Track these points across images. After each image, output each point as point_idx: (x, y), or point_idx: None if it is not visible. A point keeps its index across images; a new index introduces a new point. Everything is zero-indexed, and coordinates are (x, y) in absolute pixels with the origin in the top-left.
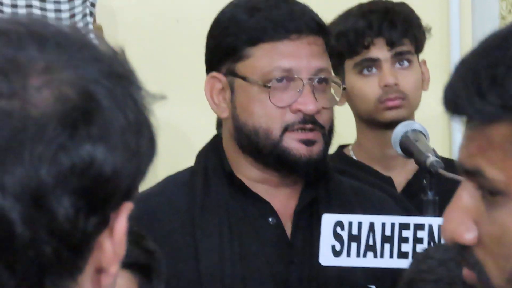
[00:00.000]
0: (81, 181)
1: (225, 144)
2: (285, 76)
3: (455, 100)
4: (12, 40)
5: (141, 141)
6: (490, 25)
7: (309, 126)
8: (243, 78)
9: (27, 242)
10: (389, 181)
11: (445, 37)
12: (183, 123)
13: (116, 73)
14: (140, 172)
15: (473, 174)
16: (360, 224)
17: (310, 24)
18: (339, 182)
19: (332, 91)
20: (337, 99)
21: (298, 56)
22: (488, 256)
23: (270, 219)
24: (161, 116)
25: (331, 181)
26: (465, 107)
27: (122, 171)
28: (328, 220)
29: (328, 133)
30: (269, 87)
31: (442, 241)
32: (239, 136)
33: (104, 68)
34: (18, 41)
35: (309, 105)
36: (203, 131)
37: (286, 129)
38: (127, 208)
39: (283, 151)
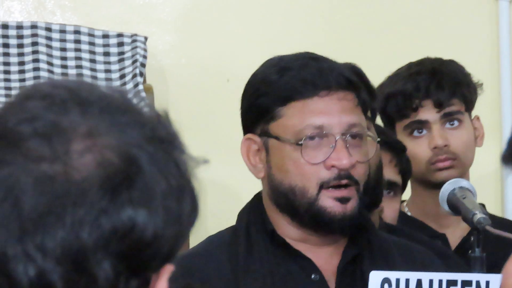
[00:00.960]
0: (122, 245)
1: (264, 203)
2: (317, 133)
3: None
4: (56, 104)
5: (183, 205)
6: None
7: (344, 181)
8: (276, 138)
9: None
10: (443, 238)
11: (496, 91)
12: (235, 182)
13: (159, 138)
14: (182, 235)
15: None
16: (407, 281)
17: (339, 80)
18: (382, 238)
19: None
20: (373, 152)
21: (328, 112)
22: None
23: (313, 276)
24: (213, 176)
25: (374, 237)
26: None
27: (163, 235)
28: (375, 277)
29: (364, 188)
30: (301, 144)
31: None
32: (276, 196)
33: (146, 132)
34: (61, 105)
35: (343, 160)
36: (254, 191)
37: (321, 186)
38: (168, 270)
39: (318, 210)
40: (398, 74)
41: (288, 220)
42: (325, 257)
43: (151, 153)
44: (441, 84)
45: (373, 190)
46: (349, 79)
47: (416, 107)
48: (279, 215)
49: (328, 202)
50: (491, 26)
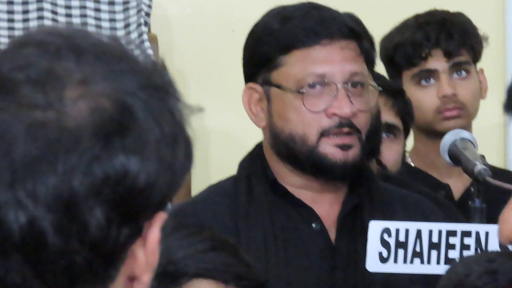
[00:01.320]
0: (114, 192)
1: (265, 152)
2: (319, 81)
3: None
4: (50, 52)
5: (176, 153)
6: None
7: (345, 130)
8: (278, 86)
9: (59, 251)
10: (447, 188)
11: (501, 45)
12: (238, 129)
13: (154, 85)
14: (175, 183)
15: None
16: (407, 231)
17: (342, 29)
18: (383, 188)
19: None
20: (374, 101)
21: (330, 61)
22: None
23: (314, 225)
24: (216, 123)
25: (374, 187)
26: None
27: (156, 182)
28: (375, 227)
29: (366, 136)
30: (303, 93)
31: (489, 248)
32: (277, 144)
33: (141, 80)
34: (56, 53)
35: (344, 108)
36: (256, 140)
37: (322, 134)
38: (160, 218)
39: (319, 157)
40: (407, 24)
41: (290, 168)
42: (326, 206)
43: (145, 101)
44: (451, 34)
45: (371, 138)
46: (352, 28)
47: (425, 56)
48: (281, 163)
49: (329, 148)
50: None
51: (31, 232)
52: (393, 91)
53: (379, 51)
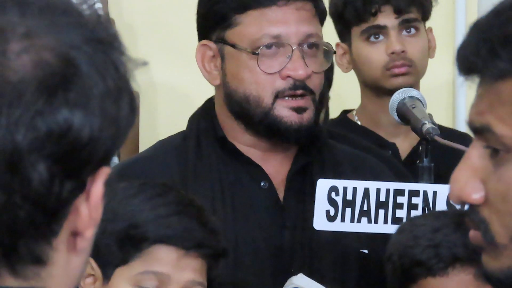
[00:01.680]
0: (57, 147)
1: (217, 109)
2: (274, 42)
3: (467, 59)
4: None
5: (121, 107)
6: None
7: (299, 92)
8: (233, 46)
9: (1, 206)
10: (393, 147)
11: (450, 4)
12: (186, 85)
13: (98, 39)
14: (119, 138)
15: (482, 132)
16: (354, 189)
17: None
18: (333, 148)
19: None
20: (328, 64)
21: (286, 22)
22: (494, 214)
23: (262, 183)
24: (164, 79)
25: (325, 146)
26: (476, 65)
27: (100, 136)
28: (322, 185)
29: (319, 98)
30: (258, 54)
31: (437, 207)
32: (230, 103)
33: (86, 33)
34: None
35: (298, 70)
36: (205, 95)
37: (276, 96)
38: (104, 173)
39: (274, 119)
40: None
41: (242, 127)
42: (275, 165)
43: (89, 54)
44: None
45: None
46: None
47: (375, 11)
48: (233, 121)
49: (284, 111)
50: None
51: None
52: None
53: (328, 7)
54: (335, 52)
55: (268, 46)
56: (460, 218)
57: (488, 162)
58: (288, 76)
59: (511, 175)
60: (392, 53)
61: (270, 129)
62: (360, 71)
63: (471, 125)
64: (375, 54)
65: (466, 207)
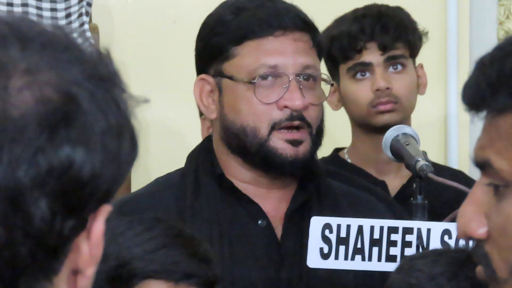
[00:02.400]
0: (59, 184)
1: (215, 145)
2: (271, 72)
3: (470, 95)
4: None
5: (122, 144)
6: (488, 30)
7: (296, 123)
8: (230, 78)
9: (3, 243)
10: (383, 185)
11: (442, 41)
12: (179, 123)
13: (99, 75)
14: (120, 175)
15: (483, 167)
16: (348, 227)
17: (295, 21)
18: (330, 185)
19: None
20: (326, 96)
21: (283, 52)
22: (495, 248)
23: (260, 221)
24: (156, 116)
25: (322, 184)
26: (478, 100)
27: (101, 174)
28: (316, 223)
29: (316, 132)
30: (254, 83)
31: (431, 246)
32: (228, 136)
33: (87, 70)
34: (1, 41)
35: (295, 100)
36: (197, 132)
37: (273, 127)
38: (105, 211)
39: (269, 151)
40: (344, 17)
41: (239, 162)
42: (274, 203)
43: (91, 91)
44: (386, 27)
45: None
46: (305, 20)
47: (360, 49)
48: (230, 156)
49: (279, 143)
50: None
51: None
52: None
53: None
54: (332, 84)
55: (265, 76)
56: (459, 262)
57: (491, 198)
58: (285, 107)
59: (509, 210)
60: (377, 90)
61: (266, 161)
62: (348, 109)
63: (474, 160)
64: (361, 91)
65: (471, 242)
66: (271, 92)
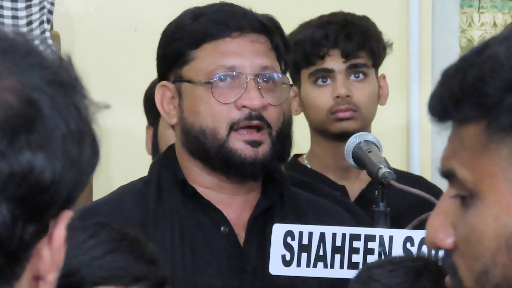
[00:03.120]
0: (20, 189)
1: (177, 152)
2: (228, 73)
3: (435, 106)
4: None
5: (83, 150)
6: (450, 38)
7: (255, 122)
8: (189, 81)
9: None
10: (343, 190)
11: (404, 49)
12: (140, 130)
13: (60, 81)
14: (81, 181)
15: (449, 177)
16: (310, 234)
17: (252, 22)
18: (293, 193)
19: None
20: (286, 98)
21: (240, 53)
22: (461, 258)
23: (222, 228)
24: (117, 124)
25: (286, 191)
26: (442, 111)
27: (62, 179)
28: (278, 230)
29: (277, 134)
30: (212, 83)
31: (394, 253)
32: (188, 140)
33: (48, 75)
34: None
35: (254, 100)
36: None
37: (232, 127)
38: (66, 216)
39: (228, 152)
40: (309, 22)
41: (201, 167)
42: (237, 210)
43: (51, 96)
44: (350, 35)
45: (282, 140)
46: (262, 22)
47: (323, 55)
48: (192, 162)
49: (238, 144)
50: None
51: None
52: None
53: None
54: (291, 85)
55: (223, 77)
56: (416, 272)
57: (458, 208)
58: (244, 106)
59: (473, 220)
60: (337, 97)
61: (225, 162)
62: (308, 114)
63: (440, 170)
64: (321, 97)
65: (440, 252)
66: (229, 92)
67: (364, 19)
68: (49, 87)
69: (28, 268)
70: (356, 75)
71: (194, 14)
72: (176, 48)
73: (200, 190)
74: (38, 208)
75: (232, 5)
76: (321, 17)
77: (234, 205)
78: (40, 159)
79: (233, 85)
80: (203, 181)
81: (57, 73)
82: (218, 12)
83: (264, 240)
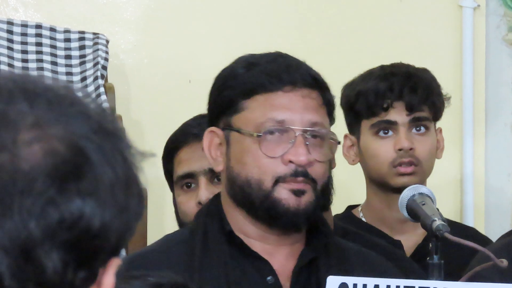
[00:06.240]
0: (70, 235)
1: (222, 200)
2: (277, 127)
3: None
4: (2, 95)
5: (130, 197)
6: (504, 90)
7: (300, 179)
8: (238, 131)
9: None
10: (398, 244)
11: (458, 103)
12: None
13: (105, 130)
14: (129, 228)
15: None
16: (365, 286)
17: (305, 77)
18: (339, 244)
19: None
20: (332, 154)
21: (291, 108)
22: None
23: (268, 278)
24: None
25: (331, 242)
26: None
27: (111, 226)
28: (333, 282)
29: (322, 189)
30: (260, 136)
31: None
32: (233, 189)
33: (93, 124)
34: (8, 96)
35: (300, 156)
36: None
37: (277, 180)
38: (115, 264)
39: (273, 202)
40: (372, 72)
41: (245, 215)
42: (281, 260)
43: (98, 144)
44: (415, 88)
45: (323, 192)
46: (315, 77)
47: (387, 106)
48: (236, 210)
49: (283, 193)
50: (455, 32)
51: None
52: None
53: (340, 98)
54: (339, 143)
55: (272, 131)
56: None
57: None
58: (290, 162)
59: None
60: (400, 149)
61: (269, 212)
62: (367, 165)
63: None
64: (383, 149)
65: None
66: (277, 146)
67: (426, 72)
68: (95, 135)
69: None
70: (418, 129)
71: (248, 63)
72: (228, 96)
73: (246, 240)
74: (88, 254)
75: (286, 56)
76: (383, 68)
77: (279, 255)
78: (90, 206)
79: (281, 139)
80: (248, 231)
81: (101, 122)
82: (272, 64)
83: None
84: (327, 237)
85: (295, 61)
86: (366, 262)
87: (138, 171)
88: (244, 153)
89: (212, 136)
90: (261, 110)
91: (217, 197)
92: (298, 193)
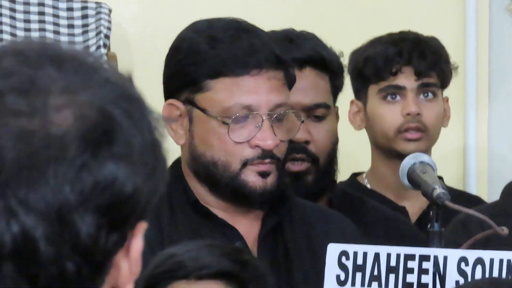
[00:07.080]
0: (103, 199)
1: (184, 170)
2: (244, 112)
3: None
4: (31, 60)
5: (158, 160)
6: (508, 61)
7: (267, 161)
8: (203, 110)
9: (51, 259)
10: (403, 210)
11: (461, 73)
12: None
13: (129, 95)
14: (156, 191)
15: None
16: (365, 254)
17: (270, 59)
18: (299, 203)
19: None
20: (295, 130)
21: (258, 92)
22: None
23: (237, 244)
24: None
25: (293, 205)
26: None
27: (142, 190)
28: (333, 250)
29: (324, 169)
30: (228, 123)
31: (448, 274)
32: (196, 165)
33: (118, 89)
34: (37, 61)
35: (267, 140)
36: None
37: (245, 164)
38: (142, 227)
39: (240, 184)
40: (380, 39)
41: (206, 189)
42: (246, 226)
43: (125, 109)
44: (424, 53)
45: (326, 170)
46: (280, 57)
47: (395, 71)
48: (198, 183)
49: (251, 176)
50: (459, 2)
51: (23, 241)
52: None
53: (348, 64)
54: (303, 121)
55: (239, 117)
56: None
57: None
58: (257, 146)
59: None
60: (408, 114)
61: (235, 194)
62: (373, 131)
63: None
64: (390, 114)
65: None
66: (244, 130)
67: (435, 40)
68: (122, 100)
69: (107, 279)
70: (425, 94)
71: (211, 38)
72: (191, 73)
73: (211, 209)
74: (120, 218)
75: (249, 31)
76: (392, 34)
77: (243, 221)
78: (122, 170)
79: (247, 123)
80: (211, 202)
81: (125, 87)
82: (237, 43)
83: (276, 253)
84: (289, 200)
85: (258, 37)
86: (324, 219)
87: (161, 136)
88: (209, 134)
89: (171, 109)
90: (227, 93)
91: (177, 165)
92: (264, 174)
